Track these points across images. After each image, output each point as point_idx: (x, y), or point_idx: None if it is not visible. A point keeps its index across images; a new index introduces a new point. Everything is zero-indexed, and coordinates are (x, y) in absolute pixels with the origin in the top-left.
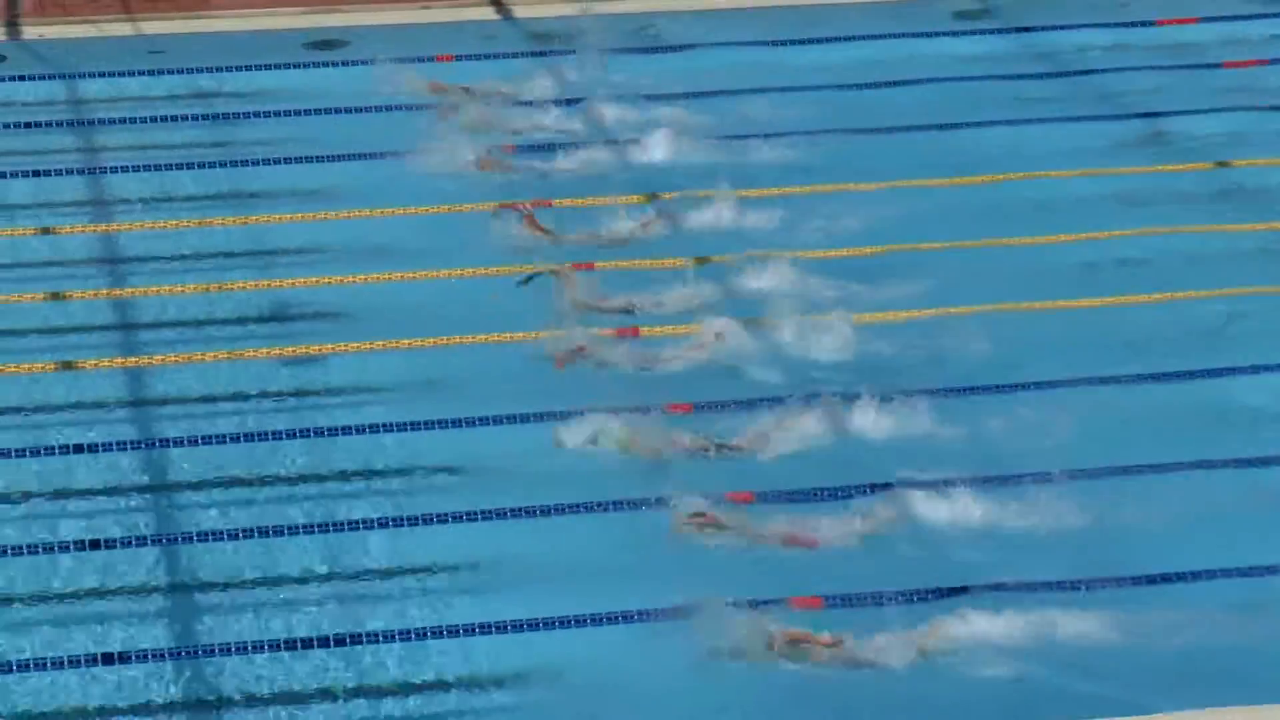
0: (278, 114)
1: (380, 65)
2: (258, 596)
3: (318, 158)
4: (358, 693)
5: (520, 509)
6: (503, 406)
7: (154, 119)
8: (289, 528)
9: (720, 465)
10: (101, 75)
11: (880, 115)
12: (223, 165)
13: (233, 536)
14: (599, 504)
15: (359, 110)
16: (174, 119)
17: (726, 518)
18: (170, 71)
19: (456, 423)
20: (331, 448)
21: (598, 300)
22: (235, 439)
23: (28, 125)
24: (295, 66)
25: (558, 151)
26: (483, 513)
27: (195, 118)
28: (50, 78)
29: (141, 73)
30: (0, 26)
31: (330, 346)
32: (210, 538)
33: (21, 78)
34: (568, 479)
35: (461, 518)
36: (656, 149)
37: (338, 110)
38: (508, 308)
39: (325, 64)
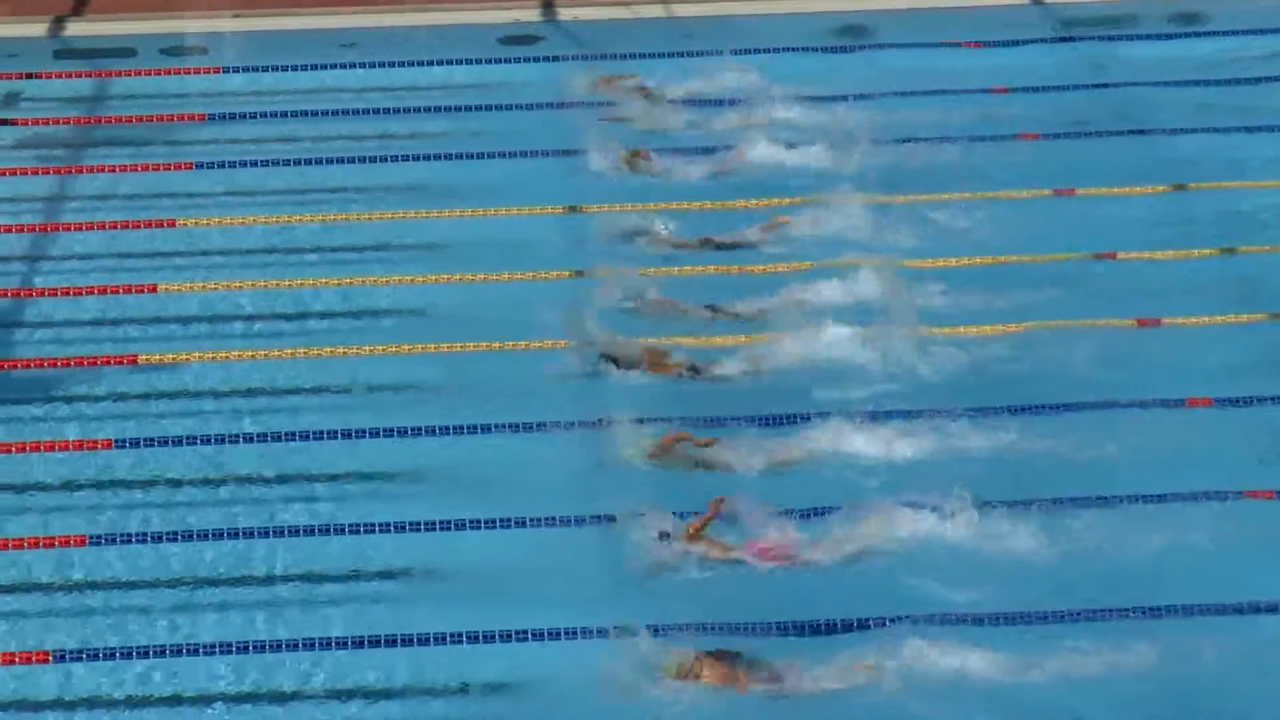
0: (458, 108)
1: (562, 63)
2: None
3: (478, 155)
4: None
5: None
6: None
7: (345, 111)
8: None
9: (712, 477)
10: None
11: (1042, 122)
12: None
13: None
14: None
15: (531, 107)
16: (368, 112)
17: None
18: (364, 65)
19: None
20: None
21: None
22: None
23: (234, 117)
24: (483, 62)
25: (707, 152)
26: None
27: (387, 111)
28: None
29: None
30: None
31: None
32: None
33: (234, 70)
34: None
35: None
36: (799, 152)
37: (515, 107)
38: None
39: (514, 59)
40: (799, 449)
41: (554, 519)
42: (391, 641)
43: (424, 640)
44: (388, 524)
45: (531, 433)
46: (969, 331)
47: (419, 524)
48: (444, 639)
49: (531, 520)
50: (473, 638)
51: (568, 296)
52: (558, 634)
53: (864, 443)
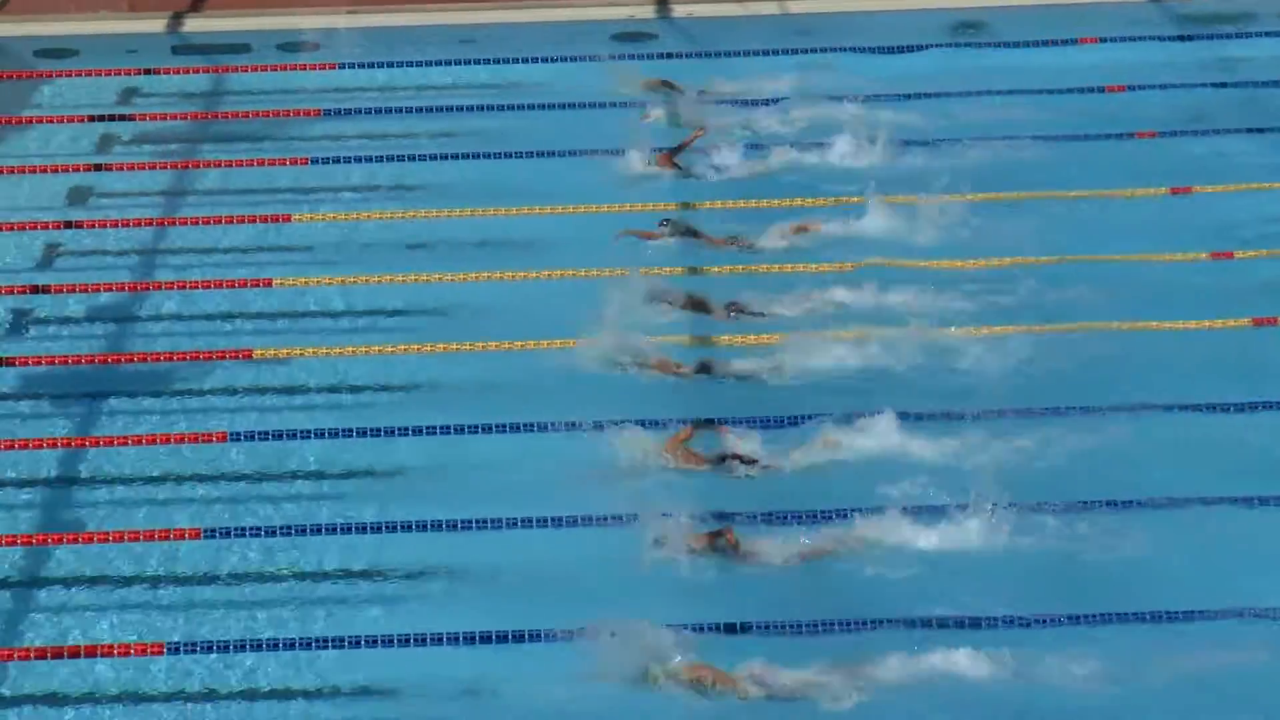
0: (567, 106)
1: (609, 62)
2: None
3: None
4: None
5: None
6: None
7: (461, 107)
8: None
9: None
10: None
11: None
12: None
13: None
14: None
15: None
16: (485, 108)
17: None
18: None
19: None
20: None
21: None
22: None
23: (349, 112)
24: (595, 59)
25: (746, 151)
26: None
27: (504, 108)
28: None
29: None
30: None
31: None
32: None
33: (352, 65)
34: None
35: None
36: (836, 152)
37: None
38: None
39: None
40: (810, 453)
41: None
42: (519, 637)
43: (531, 637)
44: (499, 520)
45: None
46: (1079, 328)
47: (530, 520)
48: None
49: None
50: None
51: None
52: None
53: (879, 445)
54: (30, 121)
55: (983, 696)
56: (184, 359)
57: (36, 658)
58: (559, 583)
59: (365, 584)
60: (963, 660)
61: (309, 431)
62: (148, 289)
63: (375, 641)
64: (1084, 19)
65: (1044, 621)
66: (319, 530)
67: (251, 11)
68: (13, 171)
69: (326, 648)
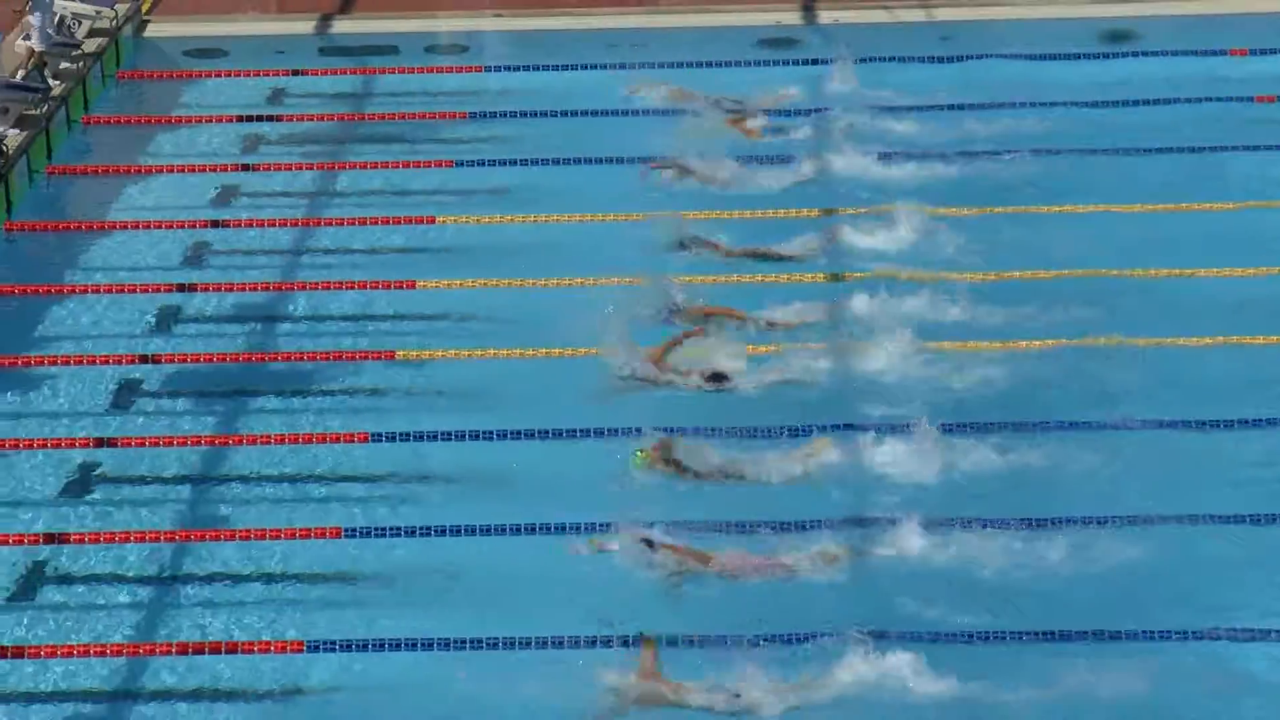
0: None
1: (821, 66)
2: None
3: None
4: None
5: None
6: None
7: (607, 112)
8: None
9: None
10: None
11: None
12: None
13: None
14: None
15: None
16: (629, 113)
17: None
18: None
19: None
20: None
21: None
22: None
23: (494, 115)
24: (739, 64)
25: (767, 162)
26: None
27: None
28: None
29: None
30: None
31: None
32: None
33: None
34: None
35: None
36: (860, 162)
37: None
38: None
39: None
40: (804, 464)
41: None
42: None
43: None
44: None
45: None
46: (1259, 341)
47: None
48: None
49: None
50: None
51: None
52: None
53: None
54: (179, 121)
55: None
56: (327, 359)
57: (179, 653)
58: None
59: (494, 585)
60: (913, 673)
61: (451, 433)
62: (292, 289)
63: (513, 643)
64: (1236, 27)
65: (998, 636)
66: (459, 530)
67: (399, 14)
68: (161, 171)
69: (463, 648)
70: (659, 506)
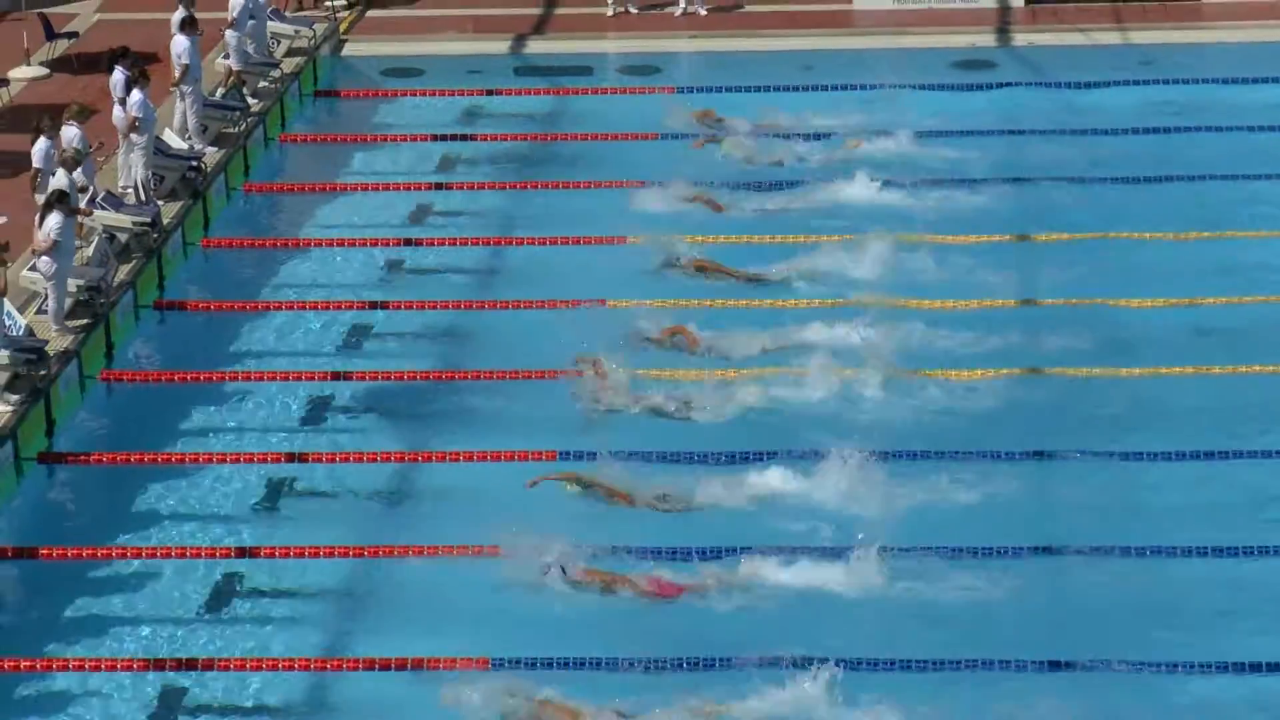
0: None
1: (1016, 88)
2: None
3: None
4: None
5: None
6: None
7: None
8: None
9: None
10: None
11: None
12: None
13: None
14: None
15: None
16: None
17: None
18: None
19: None
20: None
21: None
22: None
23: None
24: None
25: (784, 187)
26: None
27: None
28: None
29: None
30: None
31: None
32: None
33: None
34: None
35: None
36: (869, 189)
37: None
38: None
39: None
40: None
41: None
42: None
43: None
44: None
45: None
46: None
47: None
48: None
49: None
50: None
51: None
52: None
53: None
54: (375, 140)
55: None
56: (517, 377)
57: (365, 669)
58: None
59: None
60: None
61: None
62: (482, 307)
63: (713, 663)
64: None
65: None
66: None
67: (593, 34)
68: (356, 189)
69: (683, 668)
70: (584, 528)
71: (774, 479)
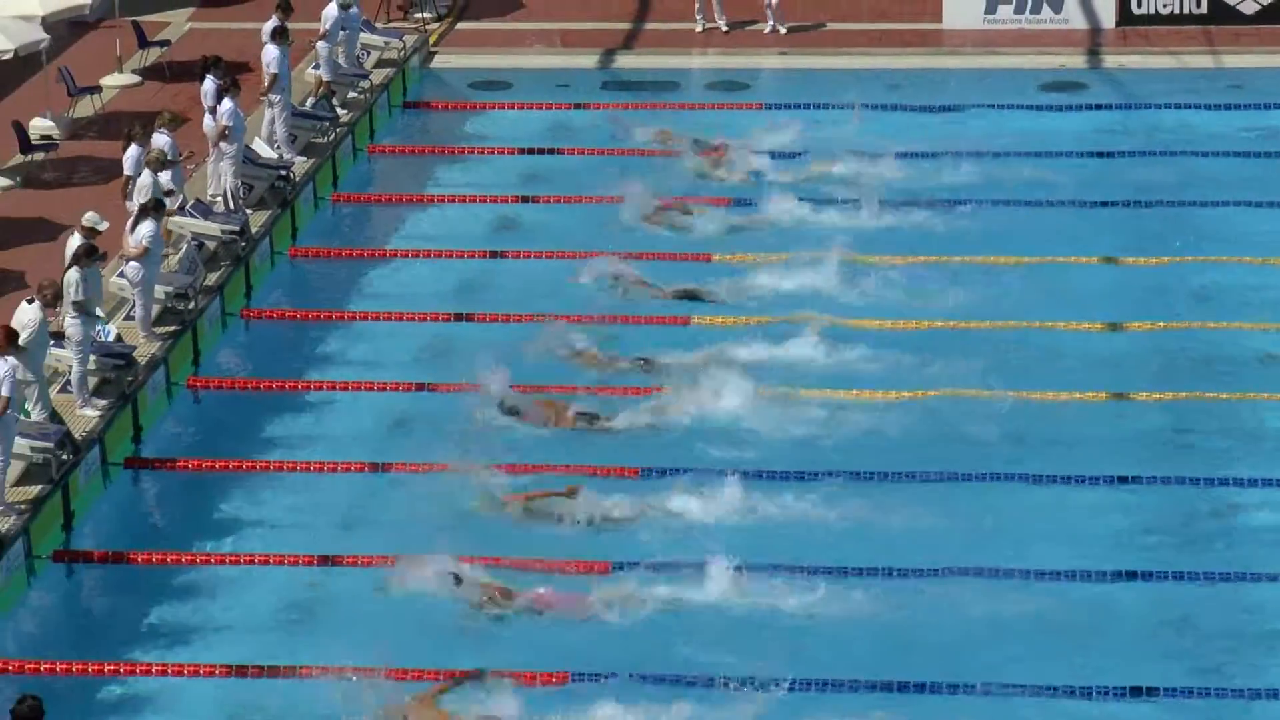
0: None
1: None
2: None
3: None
4: None
5: None
6: None
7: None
8: None
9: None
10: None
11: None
12: None
13: None
14: None
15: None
16: (915, 155)
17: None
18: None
19: None
20: None
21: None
22: None
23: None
24: (1020, 108)
25: (743, 206)
26: None
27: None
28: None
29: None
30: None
31: None
32: None
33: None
34: None
35: None
36: (831, 210)
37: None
38: None
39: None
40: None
41: None
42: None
43: None
44: None
45: None
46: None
47: None
48: None
49: None
50: None
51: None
52: None
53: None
54: (462, 152)
55: None
56: (611, 392)
57: (431, 679)
58: None
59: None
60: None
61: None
62: (566, 320)
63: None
64: None
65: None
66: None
67: (680, 49)
68: (443, 200)
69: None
70: (479, 539)
71: (670, 497)
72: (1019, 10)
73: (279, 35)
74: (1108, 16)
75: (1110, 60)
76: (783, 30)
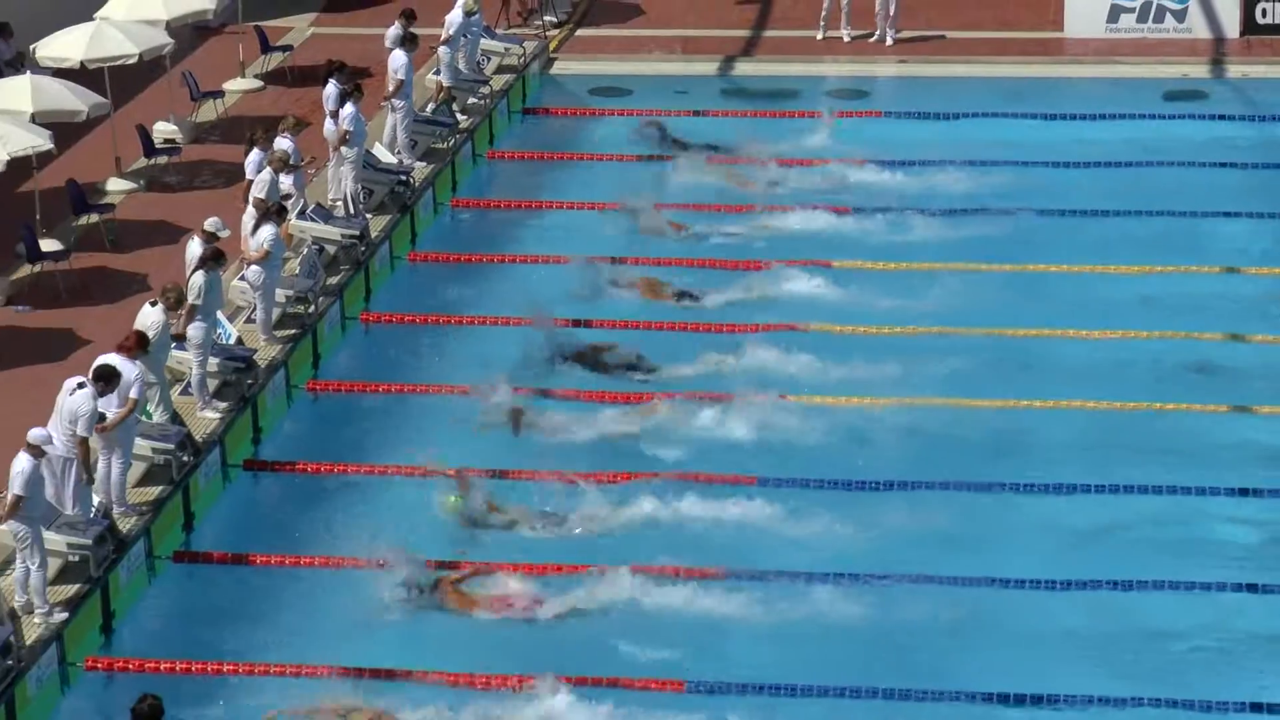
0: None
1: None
2: None
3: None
4: None
5: None
6: None
7: (999, 162)
8: None
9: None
10: None
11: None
12: None
13: None
14: None
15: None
16: (1026, 164)
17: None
18: None
19: None
20: None
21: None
22: None
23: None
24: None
25: (735, 216)
26: None
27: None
28: (1250, 118)
29: None
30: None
31: None
32: None
33: (1222, 116)
34: None
35: None
36: (821, 219)
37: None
38: None
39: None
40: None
41: None
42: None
43: None
44: None
45: None
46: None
47: None
48: None
49: None
50: None
51: None
52: None
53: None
54: (581, 158)
55: None
56: (701, 397)
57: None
58: None
59: None
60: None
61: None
62: (695, 329)
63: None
64: None
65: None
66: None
67: (799, 57)
68: (561, 206)
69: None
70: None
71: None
72: (1141, 19)
73: (407, 41)
74: (1231, 26)
75: (1234, 70)
76: (889, 41)
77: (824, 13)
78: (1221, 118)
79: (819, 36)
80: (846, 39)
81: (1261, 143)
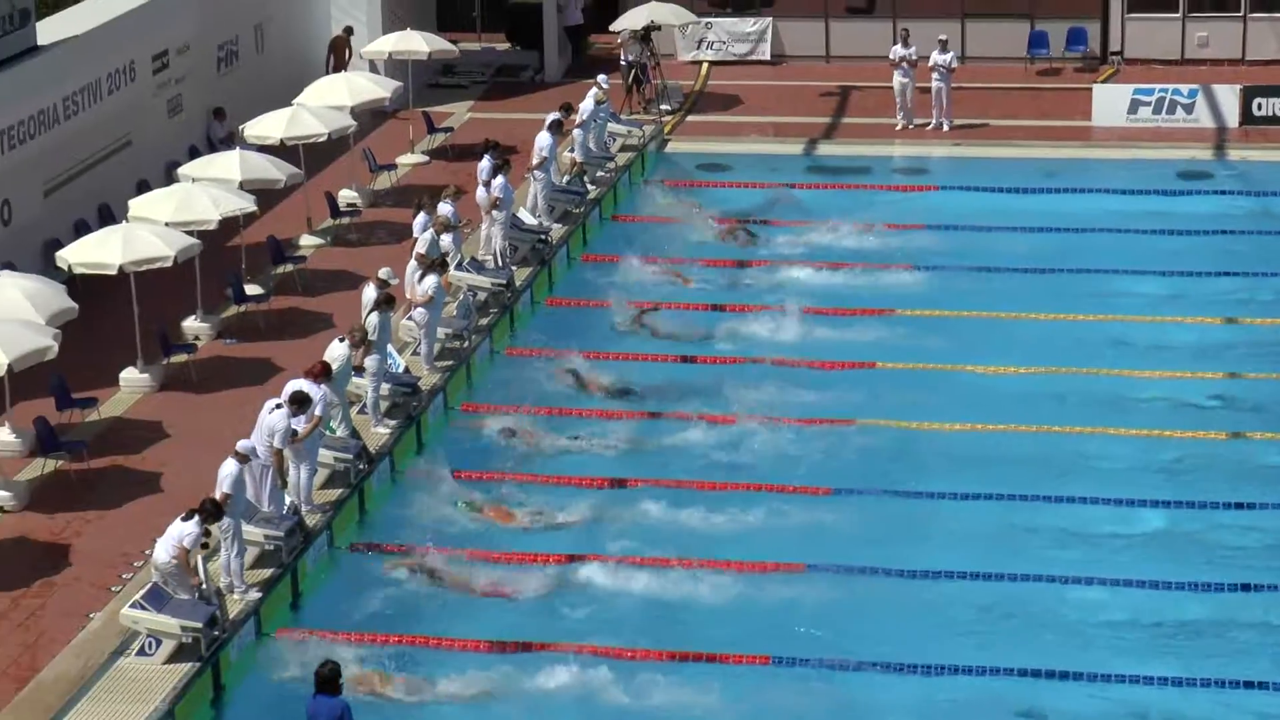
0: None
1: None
2: None
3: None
4: None
5: None
6: None
7: (1031, 229)
8: None
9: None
10: None
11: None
12: None
13: None
14: None
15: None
16: (1056, 230)
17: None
18: None
19: None
20: None
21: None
22: None
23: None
24: (1157, 193)
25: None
26: None
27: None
28: (1248, 194)
29: None
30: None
31: None
32: None
33: (1224, 192)
34: None
35: None
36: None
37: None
38: None
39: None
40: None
41: None
42: None
43: None
44: None
45: None
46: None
47: None
48: None
49: None
50: None
51: None
52: None
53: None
54: (689, 221)
55: None
56: (808, 424)
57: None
58: None
59: None
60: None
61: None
62: (813, 364)
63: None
64: None
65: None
66: None
67: (871, 140)
68: (674, 261)
69: None
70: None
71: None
72: (1156, 110)
73: (555, 126)
74: (1232, 117)
75: (1234, 154)
76: (946, 128)
77: (902, 106)
78: (1224, 193)
79: (898, 126)
80: (910, 126)
81: (1259, 214)
